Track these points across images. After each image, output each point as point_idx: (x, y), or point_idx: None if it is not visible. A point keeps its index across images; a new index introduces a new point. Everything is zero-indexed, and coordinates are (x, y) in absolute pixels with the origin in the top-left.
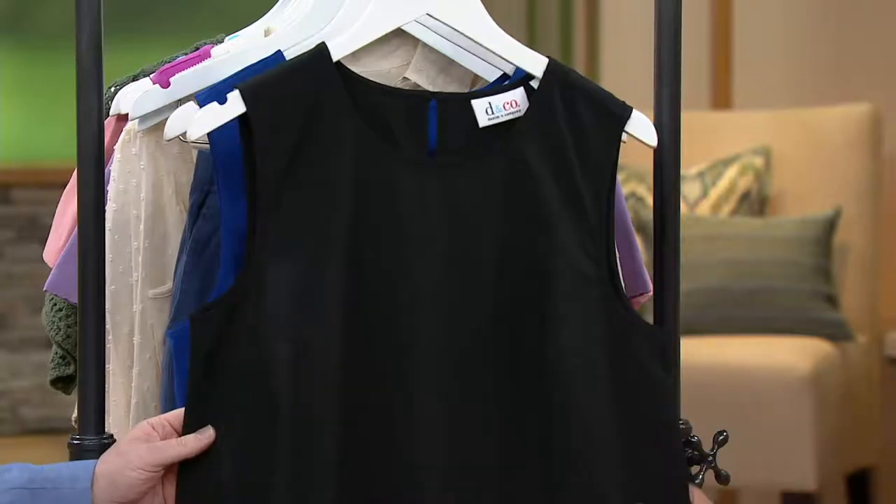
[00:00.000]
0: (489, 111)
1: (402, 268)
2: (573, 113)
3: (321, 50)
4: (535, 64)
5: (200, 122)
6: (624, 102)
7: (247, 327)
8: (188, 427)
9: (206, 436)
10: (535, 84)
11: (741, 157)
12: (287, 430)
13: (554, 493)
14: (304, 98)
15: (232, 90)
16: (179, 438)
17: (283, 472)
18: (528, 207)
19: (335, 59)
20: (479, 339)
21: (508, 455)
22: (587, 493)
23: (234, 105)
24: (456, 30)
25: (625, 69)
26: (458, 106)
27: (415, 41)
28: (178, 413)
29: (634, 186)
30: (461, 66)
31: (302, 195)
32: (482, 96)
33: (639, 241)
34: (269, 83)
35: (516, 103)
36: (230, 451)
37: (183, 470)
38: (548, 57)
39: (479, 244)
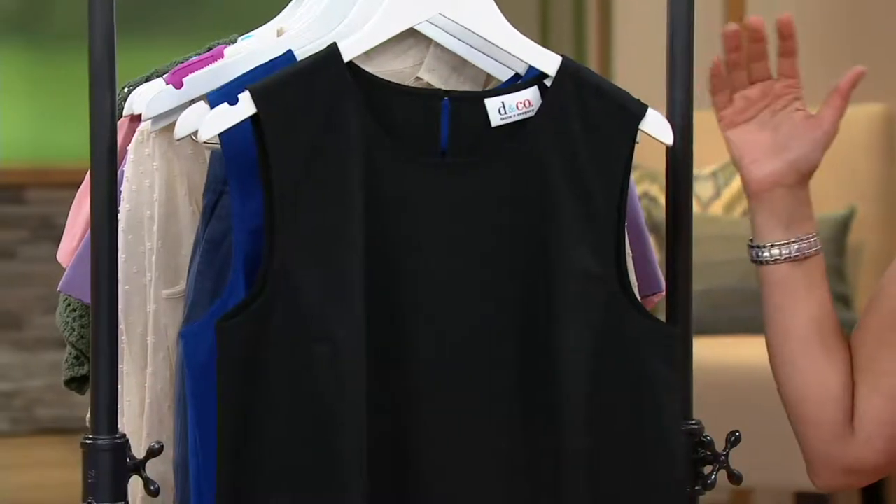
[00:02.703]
0: (502, 111)
1: (414, 266)
2: (587, 111)
3: (332, 50)
4: (549, 62)
5: (211, 123)
6: (639, 101)
7: (280, 330)
8: (225, 432)
9: None
10: (548, 83)
11: None
12: (324, 428)
13: (558, 492)
14: (315, 98)
15: (241, 90)
16: None
17: (321, 471)
18: (537, 207)
19: (346, 59)
20: (487, 338)
21: (513, 451)
22: (589, 492)
23: (245, 106)
24: (469, 29)
25: (638, 70)
26: (470, 105)
27: (427, 41)
28: None
29: (647, 186)
30: (474, 65)
31: (319, 196)
32: (495, 95)
33: (652, 241)
34: (279, 84)
35: (529, 103)
36: (271, 454)
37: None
38: (561, 55)
39: (488, 244)
